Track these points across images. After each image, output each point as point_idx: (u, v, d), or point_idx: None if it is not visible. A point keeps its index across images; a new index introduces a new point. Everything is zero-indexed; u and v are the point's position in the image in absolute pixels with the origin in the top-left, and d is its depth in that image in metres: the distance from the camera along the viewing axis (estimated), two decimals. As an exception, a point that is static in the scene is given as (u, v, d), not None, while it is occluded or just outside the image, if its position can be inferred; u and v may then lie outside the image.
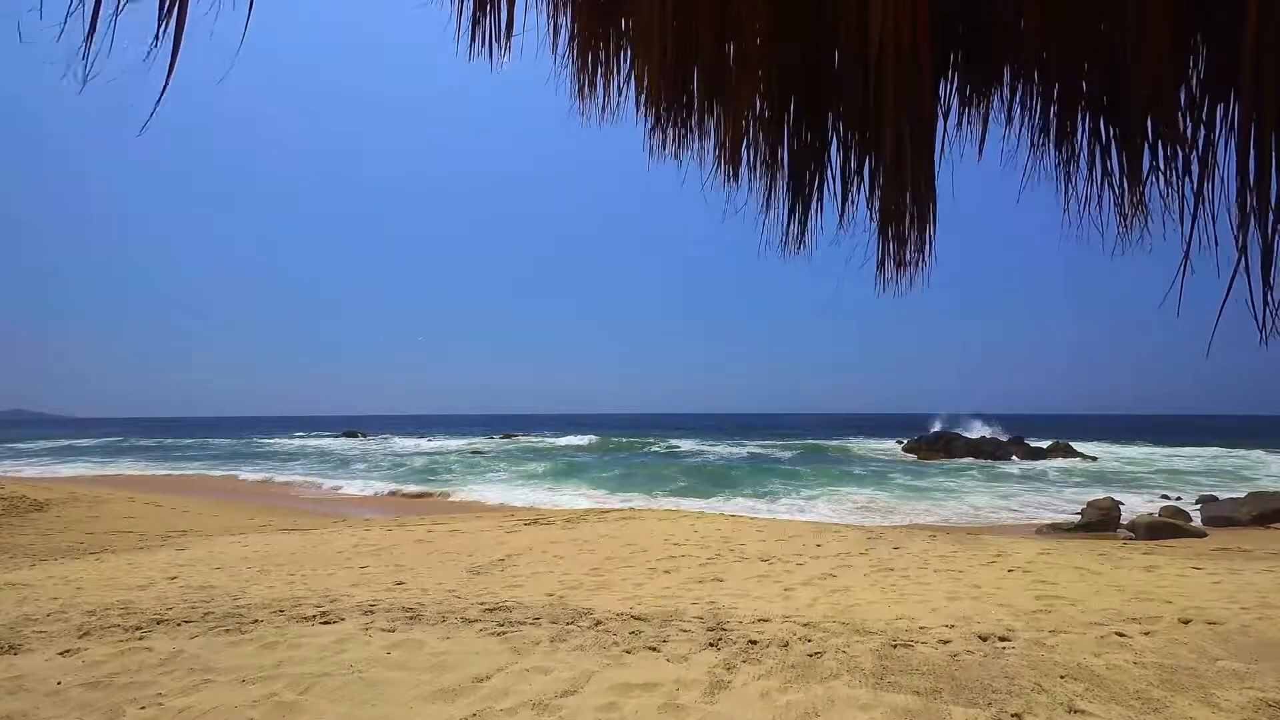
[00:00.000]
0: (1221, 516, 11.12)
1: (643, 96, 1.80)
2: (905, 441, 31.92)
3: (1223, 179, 1.19)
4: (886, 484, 18.15)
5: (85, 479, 20.36)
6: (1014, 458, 25.09)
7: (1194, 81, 1.29)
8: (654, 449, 33.32)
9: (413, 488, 18.24)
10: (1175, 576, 5.08)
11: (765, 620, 3.83)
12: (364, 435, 45.60)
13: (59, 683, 2.91)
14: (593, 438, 42.45)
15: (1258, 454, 26.94)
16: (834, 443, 37.35)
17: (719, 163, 1.76)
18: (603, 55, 1.84)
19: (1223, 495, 13.90)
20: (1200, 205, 1.21)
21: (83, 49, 1.19)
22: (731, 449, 33.07)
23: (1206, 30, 1.28)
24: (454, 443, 38.96)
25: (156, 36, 1.24)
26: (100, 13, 1.20)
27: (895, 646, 3.29)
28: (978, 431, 31.52)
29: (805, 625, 3.71)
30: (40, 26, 1.16)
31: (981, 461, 23.88)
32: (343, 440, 41.67)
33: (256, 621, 3.87)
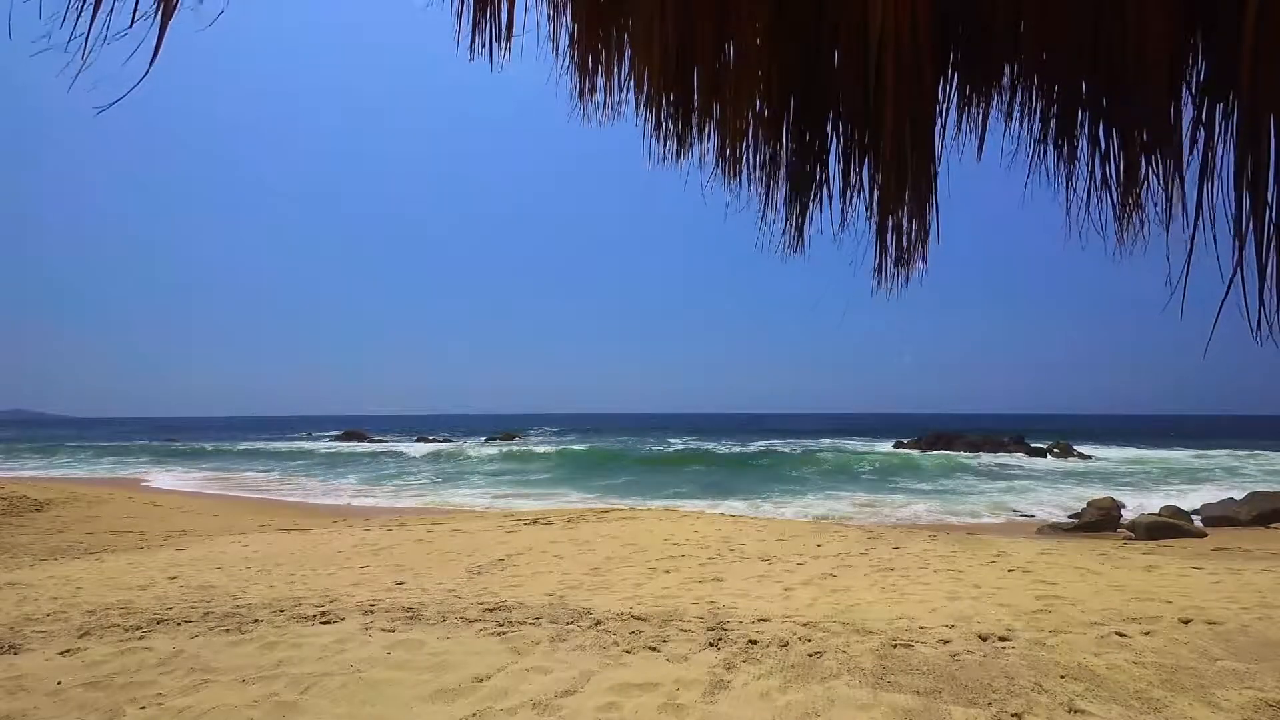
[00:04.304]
0: (1221, 516, 11.12)
1: (643, 97, 1.80)
2: (905, 441, 31.92)
3: (1221, 179, 1.19)
4: (886, 484, 18.16)
5: (87, 481, 20.37)
6: (1014, 457, 25.09)
7: (1194, 82, 1.29)
8: (654, 449, 33.33)
9: (412, 494, 18.22)
10: (1175, 576, 5.08)
11: (765, 620, 3.83)
12: (365, 435, 45.41)
13: (59, 683, 2.91)
14: (592, 441, 42.48)
15: (1258, 454, 26.95)
16: (834, 442, 37.36)
17: (719, 162, 1.77)
18: (603, 56, 1.84)
19: (1222, 495, 13.90)
20: (1199, 206, 1.21)
21: (80, 36, 1.19)
22: (731, 449, 33.07)
23: (1206, 30, 1.28)
24: (455, 444, 38.98)
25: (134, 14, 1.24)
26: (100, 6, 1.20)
27: (895, 646, 3.29)
28: (977, 432, 31.49)
29: (805, 625, 3.71)
30: (37, 23, 1.17)
31: (981, 461, 23.88)
32: (344, 443, 41.50)
33: (256, 621, 3.87)
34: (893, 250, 1.61)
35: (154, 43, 1.26)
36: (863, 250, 1.65)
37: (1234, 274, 1.12)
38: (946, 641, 3.37)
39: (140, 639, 3.55)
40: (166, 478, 21.67)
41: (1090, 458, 25.91)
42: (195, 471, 23.82)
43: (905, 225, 1.59)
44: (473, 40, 1.87)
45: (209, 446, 36.97)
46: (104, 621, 3.93)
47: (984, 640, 3.39)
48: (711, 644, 3.36)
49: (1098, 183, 1.42)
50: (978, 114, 1.61)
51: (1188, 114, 1.29)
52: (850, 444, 36.42)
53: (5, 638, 3.60)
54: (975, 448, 26.87)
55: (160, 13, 1.25)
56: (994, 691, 2.70)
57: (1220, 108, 1.24)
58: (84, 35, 1.21)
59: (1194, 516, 11.19)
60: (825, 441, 38.66)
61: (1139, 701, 2.61)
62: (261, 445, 38.22)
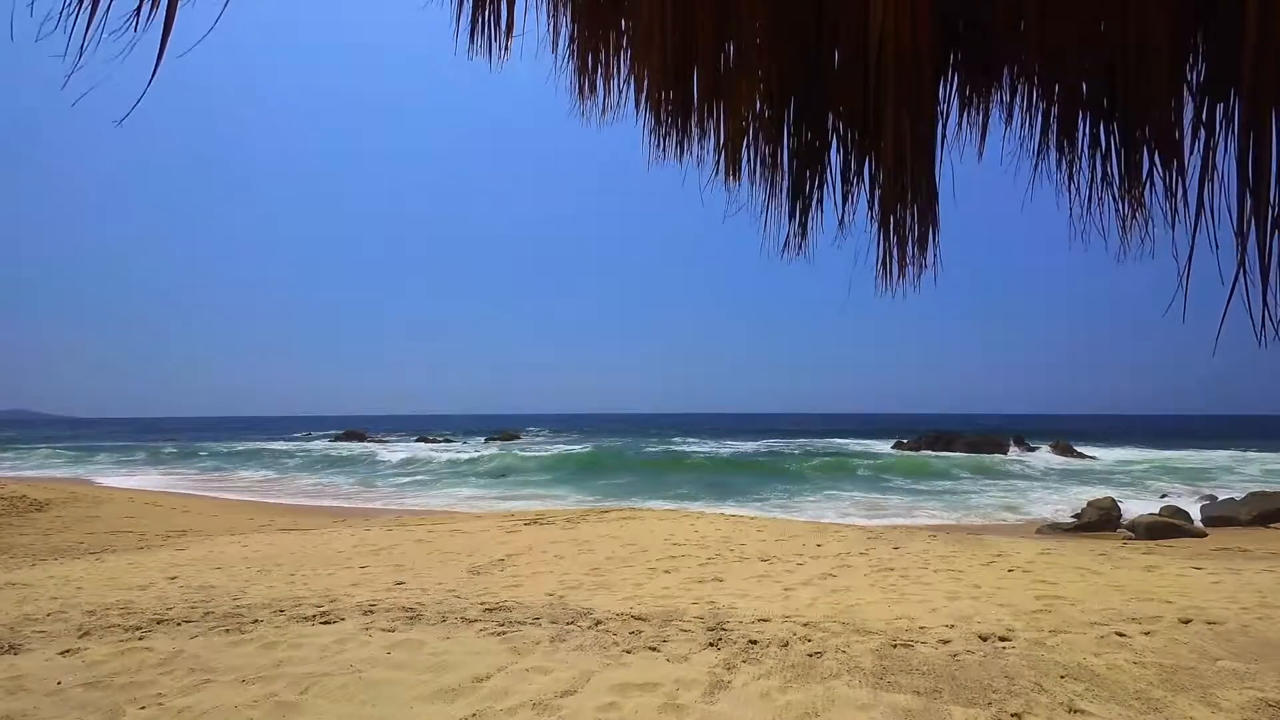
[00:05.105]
0: (1221, 516, 11.12)
1: (643, 96, 1.80)
2: (905, 441, 31.93)
3: (1223, 179, 1.19)
4: (886, 484, 18.16)
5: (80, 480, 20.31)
6: (1014, 457, 25.09)
7: (1194, 81, 1.29)
8: (653, 450, 33.32)
9: (411, 494, 18.18)
10: (1175, 576, 5.08)
11: (765, 620, 3.83)
12: (365, 435, 45.21)
13: (59, 683, 2.91)
14: (593, 441, 42.48)
15: (1258, 454, 26.94)
16: (834, 443, 37.36)
17: (719, 163, 1.76)
18: (603, 55, 1.84)
19: (1222, 495, 13.90)
20: (1201, 206, 1.21)
21: (78, 38, 1.19)
22: (731, 449, 33.07)
23: (1206, 30, 1.28)
24: (455, 444, 38.97)
25: (137, 15, 1.24)
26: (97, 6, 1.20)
27: (895, 646, 3.29)
28: (977, 432, 31.49)
29: (805, 625, 3.71)
30: (32, 23, 1.17)
31: (981, 461, 23.88)
32: (343, 443, 41.29)
33: (256, 621, 3.87)
34: (894, 251, 1.61)
35: (157, 44, 1.25)
36: (864, 251, 1.65)
37: (1237, 274, 1.12)
38: (946, 641, 3.37)
39: (140, 639, 3.55)
40: (134, 479, 20.64)
41: (1090, 458, 25.91)
42: (179, 473, 23.26)
43: (906, 226, 1.58)
44: (472, 39, 1.87)
45: (175, 447, 36.11)
46: (104, 621, 3.92)
47: (984, 640, 3.39)
48: (711, 644, 3.36)
49: (1099, 183, 1.42)
50: (978, 114, 1.61)
51: (1189, 113, 1.29)
52: (850, 444, 36.42)
53: (5, 638, 3.60)
54: (975, 448, 26.86)
55: (164, 17, 1.25)
56: (994, 691, 2.70)
57: (1221, 107, 1.24)
58: (81, 37, 1.21)
59: (1194, 516, 11.18)
60: (825, 442, 38.64)
61: (1139, 701, 2.60)
62: (259, 445, 38.10)
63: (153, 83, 1.25)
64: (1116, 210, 1.42)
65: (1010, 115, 1.54)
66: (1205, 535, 9.87)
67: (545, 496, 16.54)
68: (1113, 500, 11.62)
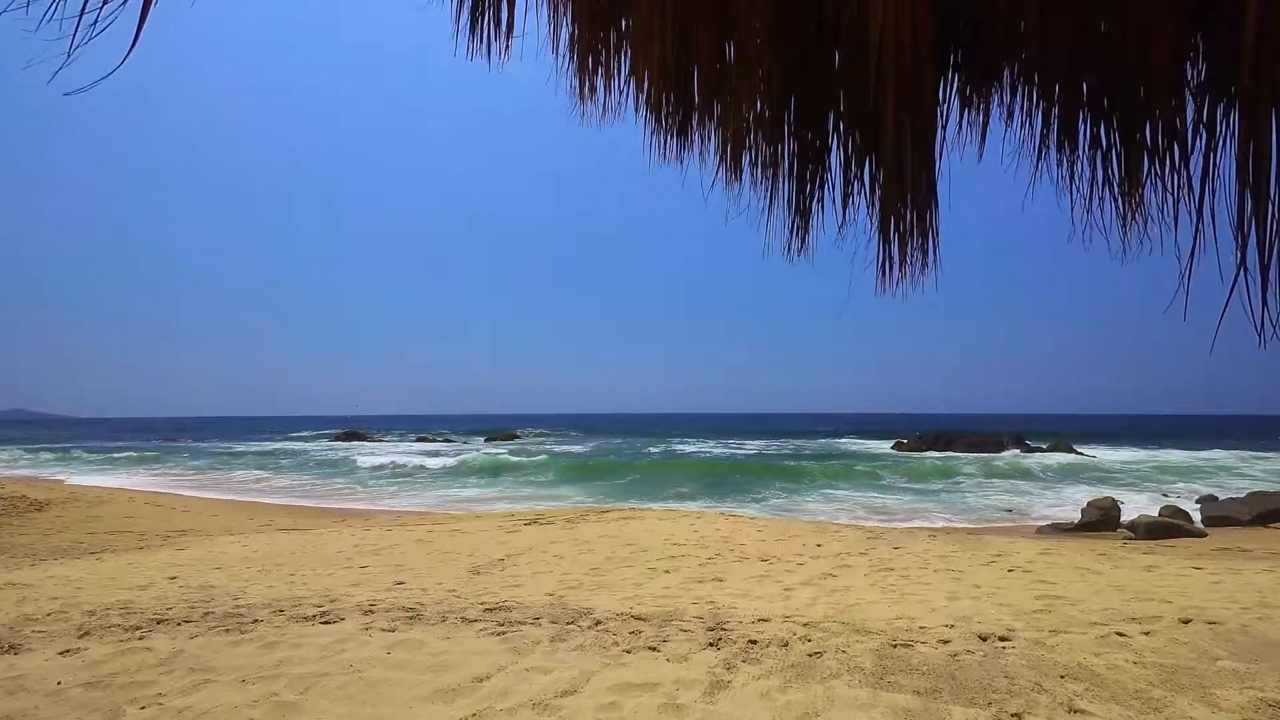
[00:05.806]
0: (1221, 516, 11.12)
1: (643, 97, 1.80)
2: (905, 441, 31.93)
3: (1223, 179, 1.19)
4: (886, 484, 18.16)
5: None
6: (1013, 457, 25.09)
7: (1194, 81, 1.29)
8: (654, 450, 33.31)
9: (411, 494, 18.18)
10: (1175, 576, 5.08)
11: (765, 620, 3.83)
12: (365, 435, 45.21)
13: (59, 683, 2.91)
14: (593, 441, 42.46)
15: (1258, 454, 26.94)
16: (834, 442, 37.37)
17: (721, 164, 1.76)
18: (603, 56, 1.84)
19: (1223, 495, 13.90)
20: (1201, 206, 1.21)
21: (68, 30, 1.19)
22: (731, 450, 33.07)
23: (1206, 30, 1.28)
24: (455, 444, 38.96)
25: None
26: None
27: (895, 646, 3.29)
28: (978, 432, 31.49)
29: (805, 625, 3.71)
30: (28, 20, 1.17)
31: (981, 461, 23.87)
32: (343, 443, 41.22)
33: (256, 621, 3.87)
34: (895, 251, 1.61)
35: (134, 26, 1.25)
36: (865, 251, 1.65)
37: (1237, 274, 1.12)
38: (946, 641, 3.37)
39: (140, 639, 3.55)
40: (132, 480, 20.06)
41: (1090, 457, 25.92)
42: (177, 474, 22.85)
43: (907, 226, 1.58)
44: (472, 39, 1.87)
45: (175, 447, 36.19)
46: (104, 621, 3.92)
47: (984, 640, 3.39)
48: (711, 644, 3.36)
49: (1099, 183, 1.42)
50: (979, 114, 1.61)
51: (1189, 114, 1.29)
52: (850, 444, 36.43)
53: (5, 638, 3.60)
54: (975, 448, 26.89)
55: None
56: (994, 691, 2.70)
57: (1222, 107, 1.24)
58: (73, 29, 1.20)
59: (1194, 516, 11.18)
60: (825, 442, 38.65)
61: (1139, 701, 2.60)
62: (260, 445, 38.09)
63: (124, 64, 1.25)
64: (1117, 210, 1.42)
65: (1010, 115, 1.54)
66: (1205, 535, 9.87)
67: (545, 496, 16.54)
68: (1113, 500, 11.62)
